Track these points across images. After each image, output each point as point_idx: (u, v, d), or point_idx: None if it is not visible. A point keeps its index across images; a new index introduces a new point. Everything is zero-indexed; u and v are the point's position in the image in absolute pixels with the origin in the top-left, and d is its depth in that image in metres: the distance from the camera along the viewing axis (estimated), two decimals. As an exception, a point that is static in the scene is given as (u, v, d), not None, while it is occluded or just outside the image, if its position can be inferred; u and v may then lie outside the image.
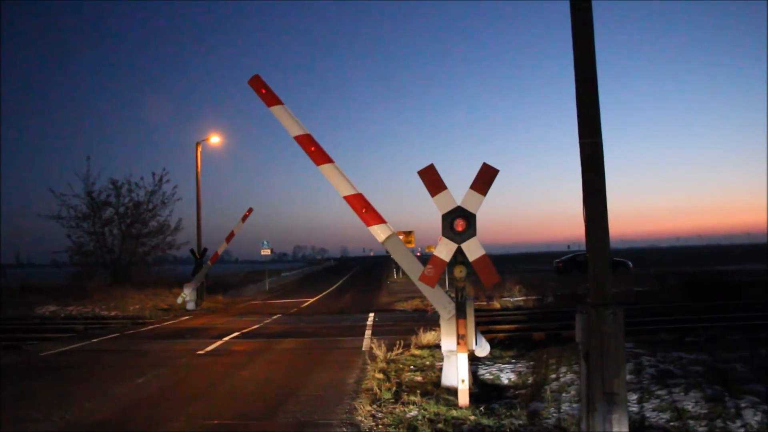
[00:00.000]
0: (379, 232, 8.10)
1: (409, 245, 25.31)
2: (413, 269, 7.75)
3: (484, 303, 18.95)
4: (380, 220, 8.13)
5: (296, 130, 8.40)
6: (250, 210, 22.95)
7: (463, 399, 6.54)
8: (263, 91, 8.48)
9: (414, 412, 6.29)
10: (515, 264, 58.86)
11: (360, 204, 8.15)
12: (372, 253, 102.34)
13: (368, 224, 8.13)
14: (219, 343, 12.34)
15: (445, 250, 6.82)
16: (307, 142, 8.37)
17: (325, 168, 8.30)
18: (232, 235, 22.41)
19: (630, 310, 14.84)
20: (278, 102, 8.46)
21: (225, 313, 19.54)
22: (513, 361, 9.27)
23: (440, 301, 7.57)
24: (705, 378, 6.77)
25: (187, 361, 10.27)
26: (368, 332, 13.48)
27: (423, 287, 7.51)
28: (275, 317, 17.75)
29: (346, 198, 8.20)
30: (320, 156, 8.32)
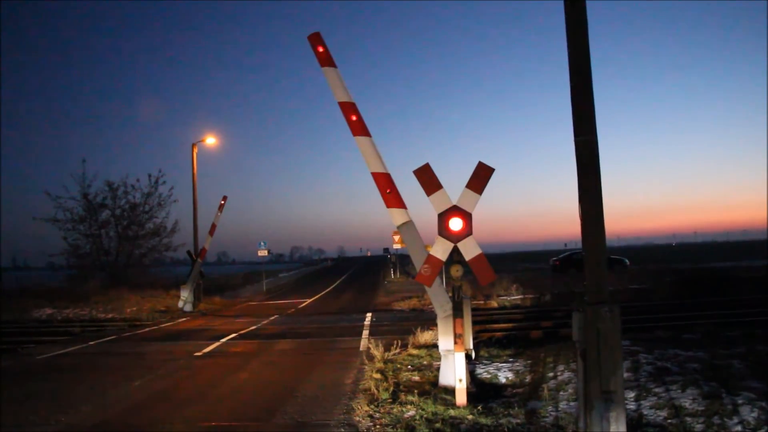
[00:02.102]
0: (397, 216, 8.13)
1: (403, 244, 25.30)
2: (421, 261, 7.73)
3: (482, 302, 18.94)
4: (401, 204, 8.16)
5: (342, 96, 8.38)
6: (225, 198, 23.16)
7: (461, 398, 6.54)
8: (320, 49, 8.40)
9: (412, 412, 6.28)
10: (512, 263, 58.85)
11: (386, 183, 8.15)
12: (369, 253, 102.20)
13: (388, 206, 8.16)
14: (217, 344, 12.32)
15: (441, 250, 6.81)
16: (350, 110, 8.34)
17: (361, 140, 8.28)
18: (213, 227, 22.53)
19: (627, 307, 14.84)
20: (332, 64, 8.42)
21: (222, 315, 19.51)
22: (510, 359, 9.28)
23: (438, 298, 7.56)
24: (702, 375, 6.79)
25: (184, 363, 10.25)
26: (366, 332, 13.47)
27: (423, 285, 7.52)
28: (273, 318, 17.72)
29: (373, 174, 8.21)
30: (359, 127, 8.30)
